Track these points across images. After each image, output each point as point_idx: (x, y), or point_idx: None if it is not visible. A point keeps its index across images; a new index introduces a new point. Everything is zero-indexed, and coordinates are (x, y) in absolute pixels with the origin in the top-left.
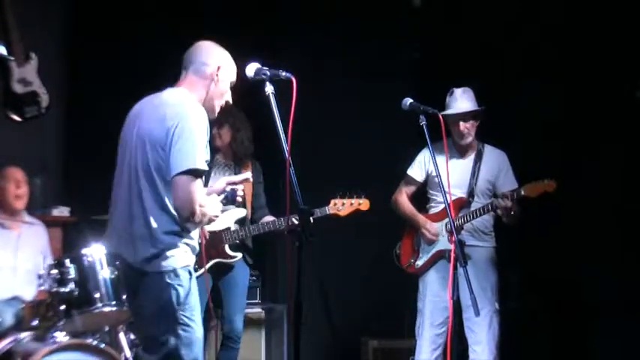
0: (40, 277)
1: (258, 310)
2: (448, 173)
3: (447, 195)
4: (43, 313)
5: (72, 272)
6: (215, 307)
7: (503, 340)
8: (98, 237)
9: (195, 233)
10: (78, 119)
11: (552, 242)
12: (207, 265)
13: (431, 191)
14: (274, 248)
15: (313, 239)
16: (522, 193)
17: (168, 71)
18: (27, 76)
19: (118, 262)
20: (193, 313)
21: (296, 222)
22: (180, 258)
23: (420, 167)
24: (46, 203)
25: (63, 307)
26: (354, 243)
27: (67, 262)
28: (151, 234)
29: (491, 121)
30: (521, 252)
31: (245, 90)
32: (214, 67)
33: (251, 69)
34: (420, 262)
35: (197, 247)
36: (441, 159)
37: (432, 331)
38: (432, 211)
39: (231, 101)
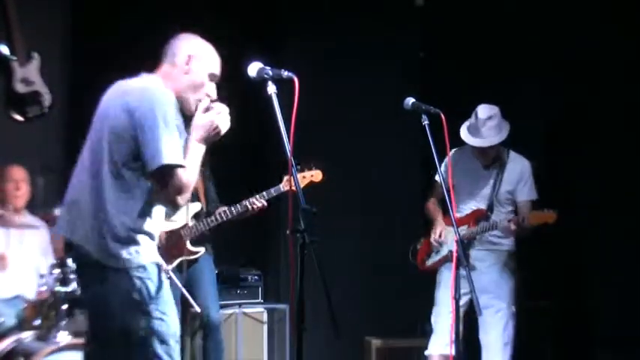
0: (42, 276)
1: (260, 309)
2: (447, 183)
3: (450, 196)
4: (45, 312)
5: (74, 272)
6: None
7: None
8: None
9: (155, 224)
10: (80, 118)
11: (565, 247)
12: (173, 265)
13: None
14: (277, 247)
15: (315, 239)
16: (526, 222)
17: None
18: (29, 75)
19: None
20: (166, 307)
21: (258, 203)
22: (147, 253)
23: (442, 171)
24: (48, 202)
25: (65, 306)
26: (358, 242)
27: (69, 261)
28: (114, 229)
29: None
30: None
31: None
32: (184, 56)
33: (253, 69)
34: (429, 262)
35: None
36: (467, 165)
37: (447, 325)
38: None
39: (213, 96)
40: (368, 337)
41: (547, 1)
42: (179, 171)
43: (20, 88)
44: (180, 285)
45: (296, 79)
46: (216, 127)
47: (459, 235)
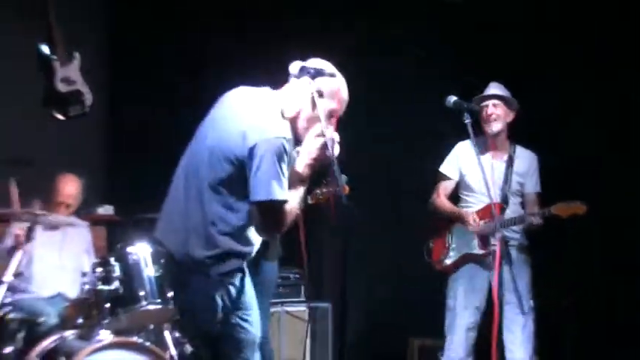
0: (84, 275)
1: (302, 308)
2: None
3: (490, 194)
4: (88, 311)
5: (117, 270)
6: None
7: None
8: (142, 235)
9: (255, 240)
10: (121, 117)
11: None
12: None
13: (463, 191)
14: (320, 246)
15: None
16: (552, 212)
17: (211, 68)
18: (70, 74)
19: (163, 259)
20: (247, 313)
21: None
22: (233, 262)
23: (453, 164)
24: (91, 202)
25: (107, 305)
26: (400, 240)
27: (112, 260)
28: (206, 237)
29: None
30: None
31: None
32: (313, 88)
33: (295, 67)
34: (448, 261)
35: (253, 253)
36: (475, 157)
37: (464, 331)
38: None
39: (327, 135)
40: (409, 336)
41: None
42: (282, 207)
43: (61, 87)
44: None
45: (339, 77)
46: (326, 154)
47: (502, 232)
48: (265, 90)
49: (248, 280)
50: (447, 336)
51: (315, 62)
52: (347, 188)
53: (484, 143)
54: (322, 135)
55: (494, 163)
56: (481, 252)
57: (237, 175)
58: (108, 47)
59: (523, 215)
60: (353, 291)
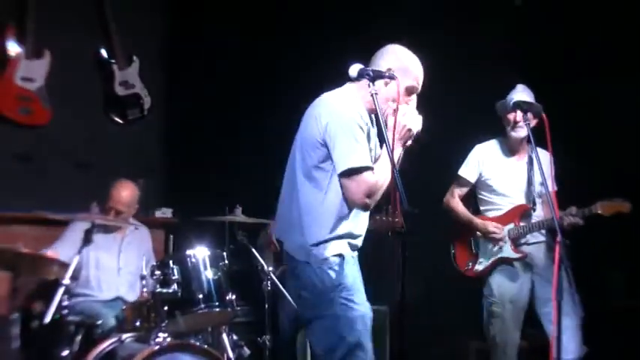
0: (142, 278)
1: None
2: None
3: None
4: (146, 314)
5: (175, 273)
6: None
7: (601, 340)
8: (201, 238)
9: (358, 227)
10: (180, 120)
11: None
12: (279, 271)
13: (484, 192)
14: (379, 249)
15: (417, 238)
16: (597, 211)
17: (267, 70)
18: (129, 78)
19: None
20: (351, 293)
21: None
22: (334, 247)
23: (473, 167)
24: (150, 205)
25: (166, 308)
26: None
27: (171, 263)
28: (302, 226)
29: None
30: (625, 249)
31: None
32: (384, 69)
33: (354, 69)
34: (479, 267)
35: (359, 242)
36: (498, 160)
37: (515, 335)
38: (491, 214)
39: (409, 107)
40: (468, 338)
41: None
42: (366, 173)
43: (120, 90)
44: (278, 283)
45: (397, 80)
46: (409, 128)
47: (562, 234)
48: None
49: (351, 264)
50: (496, 343)
51: (387, 50)
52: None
53: (505, 145)
54: (401, 112)
55: (517, 165)
56: (517, 255)
57: (325, 158)
58: (167, 51)
59: (561, 216)
60: (410, 293)
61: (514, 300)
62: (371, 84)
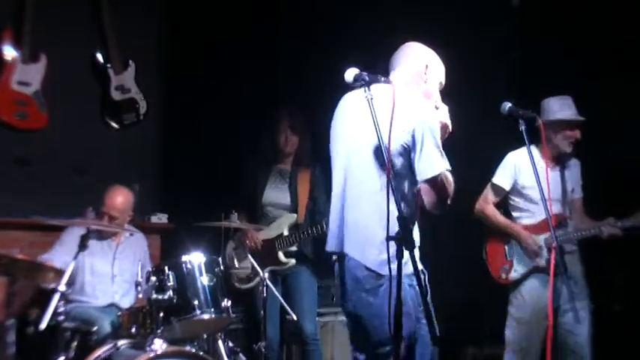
0: (137, 284)
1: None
2: (546, 183)
3: (548, 206)
4: (141, 320)
5: (171, 279)
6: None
7: (606, 343)
8: (197, 244)
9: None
10: (176, 126)
11: None
12: (265, 273)
13: (517, 199)
14: None
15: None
16: (634, 223)
17: (264, 76)
18: (125, 83)
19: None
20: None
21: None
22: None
23: (508, 176)
24: (145, 210)
25: (161, 314)
26: (450, 252)
27: (166, 269)
28: (377, 239)
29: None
30: (627, 252)
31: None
32: (422, 65)
33: (350, 74)
34: (515, 275)
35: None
36: (530, 168)
37: (538, 342)
38: (524, 221)
39: (440, 105)
40: (463, 344)
41: None
42: (448, 175)
43: (116, 95)
44: (277, 293)
45: (393, 85)
46: (446, 126)
47: (557, 241)
48: (383, 86)
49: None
50: (518, 350)
51: (409, 45)
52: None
53: (540, 152)
54: (437, 108)
55: (552, 174)
56: (553, 253)
57: (402, 164)
58: (162, 56)
59: (598, 226)
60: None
61: (543, 307)
62: (366, 89)
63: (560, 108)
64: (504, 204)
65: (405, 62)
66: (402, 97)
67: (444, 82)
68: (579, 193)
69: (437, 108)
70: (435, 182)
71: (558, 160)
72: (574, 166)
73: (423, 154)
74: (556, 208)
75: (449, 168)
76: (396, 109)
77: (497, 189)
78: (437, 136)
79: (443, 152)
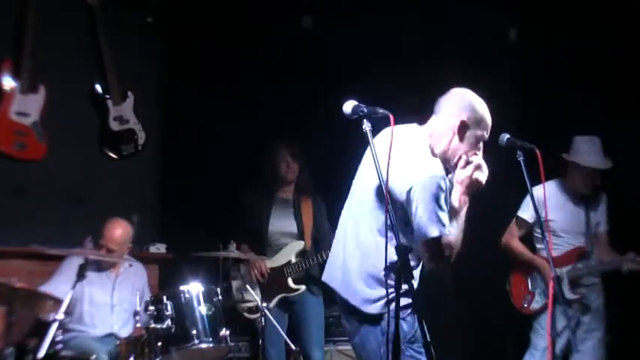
0: (136, 313)
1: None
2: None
3: (548, 238)
4: (140, 349)
5: (169, 309)
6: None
7: None
8: (195, 274)
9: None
10: (174, 156)
11: None
12: (274, 302)
13: (540, 231)
14: None
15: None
16: None
17: (262, 109)
18: (123, 114)
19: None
20: (420, 345)
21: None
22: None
23: (531, 209)
24: (143, 240)
25: (159, 343)
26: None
27: (164, 298)
28: (367, 277)
29: None
30: (624, 286)
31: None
32: (457, 120)
33: (348, 106)
34: (536, 306)
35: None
36: (558, 202)
37: None
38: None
39: (473, 159)
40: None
41: None
42: (444, 241)
43: (114, 126)
44: (275, 322)
45: (392, 117)
46: (478, 180)
47: (555, 272)
48: (413, 128)
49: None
50: None
51: (455, 93)
52: None
53: (564, 187)
54: (469, 163)
55: (576, 208)
56: (574, 297)
57: (398, 217)
58: (161, 87)
59: (621, 260)
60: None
61: (563, 335)
62: (365, 121)
63: (587, 152)
64: (530, 236)
65: (444, 111)
66: (411, 149)
67: (487, 136)
68: (604, 226)
69: (468, 163)
70: (428, 245)
71: (583, 194)
72: (600, 200)
73: (416, 217)
74: (579, 241)
75: (445, 233)
76: (400, 164)
77: (521, 222)
78: (434, 199)
79: (441, 215)
